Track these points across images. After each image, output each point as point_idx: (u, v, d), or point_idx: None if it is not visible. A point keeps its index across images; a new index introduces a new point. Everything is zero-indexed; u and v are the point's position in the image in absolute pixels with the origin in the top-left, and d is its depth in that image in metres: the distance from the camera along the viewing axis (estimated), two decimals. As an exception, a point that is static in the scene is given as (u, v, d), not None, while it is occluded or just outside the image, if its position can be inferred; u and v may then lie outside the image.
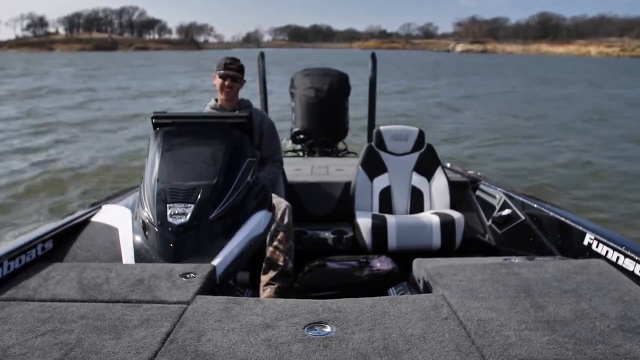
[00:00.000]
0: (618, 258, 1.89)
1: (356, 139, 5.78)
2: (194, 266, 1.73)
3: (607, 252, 1.97)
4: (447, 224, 2.86)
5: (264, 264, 2.43)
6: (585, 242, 2.13)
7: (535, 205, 2.69)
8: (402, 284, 2.22)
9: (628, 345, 1.24)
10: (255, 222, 1.96)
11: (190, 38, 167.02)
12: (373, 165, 3.24)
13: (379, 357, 1.20)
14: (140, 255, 1.90)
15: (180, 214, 1.85)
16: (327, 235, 3.10)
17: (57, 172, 7.75)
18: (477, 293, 1.55)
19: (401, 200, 3.21)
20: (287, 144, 5.05)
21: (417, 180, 3.24)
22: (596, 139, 11.28)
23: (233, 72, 2.71)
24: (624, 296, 1.53)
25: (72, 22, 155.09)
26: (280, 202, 2.52)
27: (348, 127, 5.15)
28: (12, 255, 1.79)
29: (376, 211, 3.13)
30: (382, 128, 3.36)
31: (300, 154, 5.14)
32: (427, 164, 3.27)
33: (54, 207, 6.05)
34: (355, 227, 2.97)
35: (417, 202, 3.20)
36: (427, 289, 1.75)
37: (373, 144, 3.30)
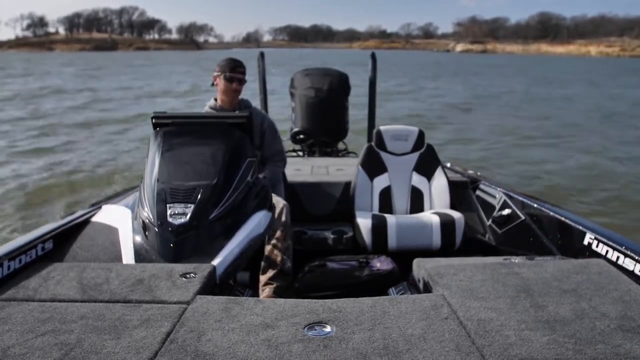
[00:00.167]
0: (618, 258, 1.89)
1: (356, 141, 5.77)
2: (194, 266, 1.72)
3: (607, 251, 1.97)
4: (447, 224, 2.86)
5: (262, 263, 2.43)
6: (585, 242, 2.13)
7: (535, 205, 2.69)
8: (402, 283, 2.22)
9: (628, 345, 1.24)
10: (255, 222, 1.96)
11: (190, 38, 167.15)
12: (373, 165, 3.24)
13: (379, 357, 1.19)
14: (140, 255, 1.90)
15: (180, 214, 1.85)
16: (327, 235, 3.10)
17: (61, 176, 7.72)
18: (477, 293, 1.55)
19: (401, 200, 3.22)
20: (287, 143, 5.06)
21: (417, 180, 3.24)
22: (605, 140, 11.14)
23: (241, 76, 2.73)
24: (624, 296, 1.53)
25: (72, 22, 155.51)
26: (278, 201, 2.53)
27: (348, 127, 5.15)
28: (12, 255, 1.79)
29: (376, 211, 3.13)
30: (382, 128, 3.36)
31: (300, 154, 5.15)
32: (427, 164, 3.27)
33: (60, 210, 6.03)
34: (355, 227, 2.97)
35: (417, 202, 3.20)
36: (427, 288, 1.75)
37: (373, 144, 3.31)
